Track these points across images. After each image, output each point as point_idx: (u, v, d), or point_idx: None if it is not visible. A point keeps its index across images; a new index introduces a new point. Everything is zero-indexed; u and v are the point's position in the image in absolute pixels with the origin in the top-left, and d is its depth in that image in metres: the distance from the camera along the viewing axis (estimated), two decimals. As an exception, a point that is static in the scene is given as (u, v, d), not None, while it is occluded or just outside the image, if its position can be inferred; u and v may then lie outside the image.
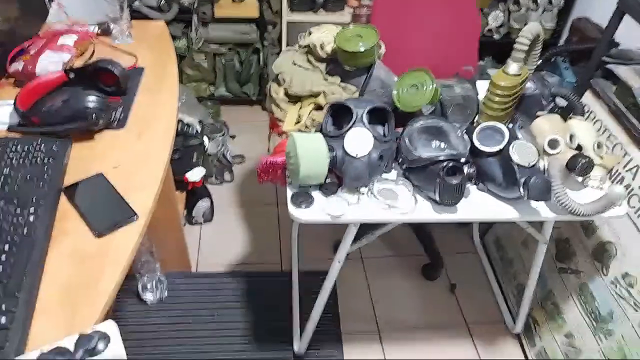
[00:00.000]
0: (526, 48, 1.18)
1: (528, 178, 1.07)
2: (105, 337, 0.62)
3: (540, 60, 1.44)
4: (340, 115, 1.20)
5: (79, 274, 0.76)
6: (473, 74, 1.51)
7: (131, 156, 0.99)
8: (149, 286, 1.70)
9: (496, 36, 2.46)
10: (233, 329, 1.66)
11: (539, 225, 1.37)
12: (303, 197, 1.11)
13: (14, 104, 1.05)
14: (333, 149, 1.11)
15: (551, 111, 1.32)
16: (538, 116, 1.27)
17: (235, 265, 1.88)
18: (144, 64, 1.29)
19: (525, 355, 1.64)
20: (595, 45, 1.54)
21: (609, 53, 1.61)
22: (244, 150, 2.40)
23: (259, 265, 1.88)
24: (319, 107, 1.34)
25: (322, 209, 1.10)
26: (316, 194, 1.13)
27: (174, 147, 2.09)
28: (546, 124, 1.22)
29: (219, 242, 1.96)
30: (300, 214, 1.09)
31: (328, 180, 1.12)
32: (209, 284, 1.79)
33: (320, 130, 1.22)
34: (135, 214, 0.85)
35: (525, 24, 1.45)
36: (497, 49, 2.41)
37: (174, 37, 2.39)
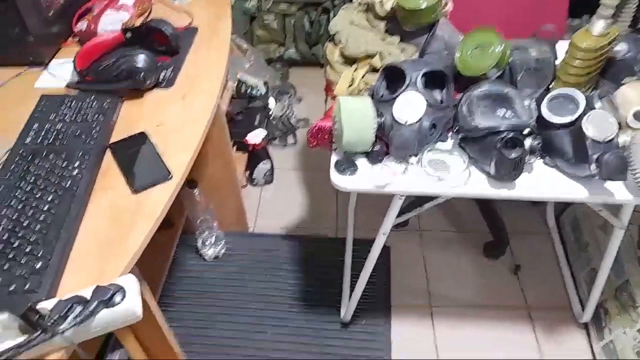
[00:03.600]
0: (615, 2, 1.02)
1: (602, 154, 0.94)
2: (121, 290, 0.64)
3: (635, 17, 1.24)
4: (396, 78, 1.13)
5: (113, 227, 0.79)
6: (554, 34, 1.34)
7: (174, 116, 1.00)
8: (207, 242, 1.77)
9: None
10: (283, 289, 1.68)
11: (616, 208, 1.21)
12: (346, 164, 1.06)
13: (73, 62, 1.09)
14: (382, 114, 1.05)
15: (640, 77, 1.14)
16: (624, 83, 1.10)
17: (291, 229, 1.89)
18: (199, 24, 1.29)
19: (591, 348, 1.51)
20: None
21: None
22: (309, 114, 2.38)
23: (314, 229, 1.88)
24: (374, 70, 1.27)
25: (366, 178, 1.05)
26: (362, 162, 1.08)
27: (238, 110, 2.13)
28: (633, 92, 1.05)
29: (277, 205, 1.98)
30: (342, 181, 1.05)
31: (375, 148, 1.07)
32: (264, 245, 1.82)
33: (372, 95, 1.16)
34: (170, 173, 0.86)
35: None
36: (597, 4, 2.12)
37: (244, -2, 2.40)
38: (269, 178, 2.08)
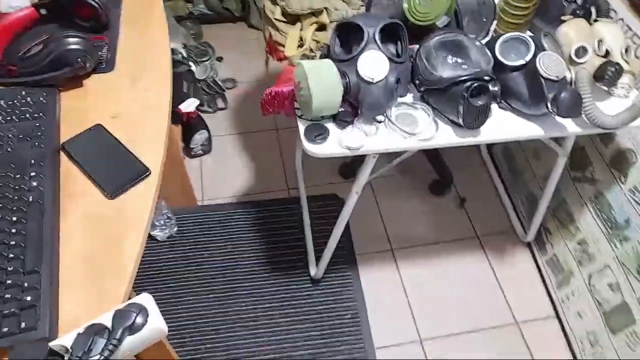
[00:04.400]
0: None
1: (557, 93, 1.00)
2: (143, 310, 0.59)
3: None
4: (348, 35, 1.10)
5: (99, 240, 0.71)
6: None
7: (129, 102, 0.89)
8: (157, 223, 1.67)
9: None
10: (247, 258, 1.66)
11: (559, 138, 1.32)
12: (318, 130, 1.04)
13: (-16, 51, 0.92)
14: (345, 75, 1.02)
15: (572, 14, 1.21)
16: (561, 21, 1.17)
17: (241, 196, 1.85)
18: (121, -10, 1.14)
19: (537, 262, 1.69)
20: None
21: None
22: (234, 73, 2.26)
23: (265, 193, 1.85)
24: (322, 27, 1.23)
25: (338, 142, 1.03)
26: (330, 126, 1.06)
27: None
28: (572, 30, 1.12)
29: (222, 173, 1.91)
30: (317, 148, 1.02)
31: (341, 110, 1.05)
32: (217, 216, 1.77)
33: (327, 55, 1.12)
34: (148, 169, 0.79)
35: None
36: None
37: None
38: (207, 147, 1.98)
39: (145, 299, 0.60)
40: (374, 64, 1.02)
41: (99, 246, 0.70)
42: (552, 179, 1.45)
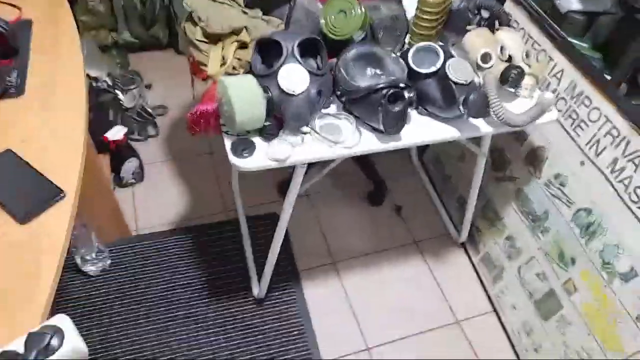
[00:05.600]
0: (452, -41, 1.14)
1: (467, 96, 1.07)
2: (59, 332, 0.56)
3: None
4: (269, 52, 1.12)
5: (10, 268, 0.67)
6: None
7: (39, 127, 0.86)
8: (88, 258, 1.59)
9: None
10: (186, 285, 1.62)
11: (477, 140, 1.40)
12: (244, 145, 1.05)
13: None
14: (267, 89, 1.04)
15: (477, 24, 1.31)
16: (467, 31, 1.25)
17: (177, 222, 1.80)
18: (30, 16, 1.11)
19: (472, 262, 1.76)
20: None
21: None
22: (164, 100, 2.23)
23: (202, 217, 1.82)
24: (243, 45, 1.24)
25: (265, 154, 1.04)
26: (257, 139, 1.07)
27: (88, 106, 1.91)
28: (477, 39, 1.21)
29: (156, 201, 1.86)
30: (244, 163, 1.03)
31: (267, 124, 1.06)
32: (153, 245, 1.71)
33: (250, 71, 1.13)
34: (61, 190, 0.76)
35: None
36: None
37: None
38: (139, 176, 1.93)
39: (61, 320, 0.57)
40: (294, 77, 1.05)
41: (11, 273, 0.66)
42: (475, 179, 1.53)
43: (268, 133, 1.06)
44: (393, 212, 1.89)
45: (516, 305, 1.55)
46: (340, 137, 1.08)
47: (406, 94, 1.07)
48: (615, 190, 1.19)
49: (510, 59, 1.21)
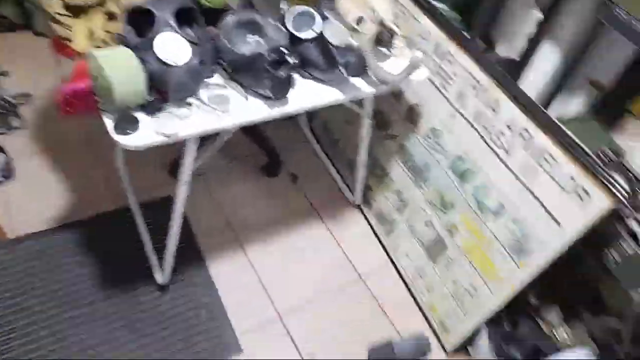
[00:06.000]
0: None
1: (345, 57, 1.12)
2: None
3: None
4: (144, 23, 1.06)
5: None
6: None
7: None
8: (-43, 271, 1.41)
9: None
10: (83, 282, 1.51)
11: (361, 103, 1.48)
12: (126, 121, 0.99)
13: None
14: (145, 61, 1.00)
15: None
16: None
17: (62, 218, 1.66)
18: None
19: (367, 219, 1.87)
20: None
21: None
22: (27, 87, 2.00)
23: (89, 209, 1.69)
24: (112, 17, 1.17)
25: (152, 130, 1.00)
26: (140, 115, 1.02)
27: None
28: (349, 2, 1.25)
29: (33, 198, 1.69)
30: (129, 140, 0.98)
31: (149, 98, 1.02)
32: (34, 247, 1.56)
33: (123, 44, 1.07)
34: None
35: None
36: None
37: None
38: (8, 173, 1.73)
39: None
40: (172, 47, 1.01)
41: None
42: (362, 141, 1.62)
43: (151, 107, 1.02)
44: (289, 181, 1.93)
45: (409, 253, 1.69)
46: (229, 107, 1.08)
47: (289, 59, 1.09)
48: (481, 136, 1.34)
49: (381, 22, 1.28)
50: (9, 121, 1.89)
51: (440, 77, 1.43)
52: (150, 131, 0.99)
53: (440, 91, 1.44)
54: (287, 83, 1.09)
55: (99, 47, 1.09)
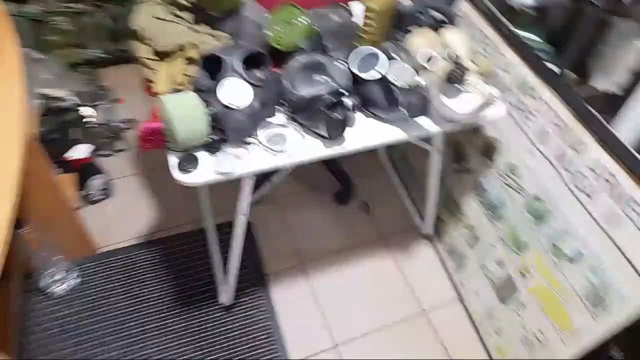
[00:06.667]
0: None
1: (408, 97, 1.09)
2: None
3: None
4: (218, 68, 1.13)
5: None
6: None
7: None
8: (54, 279, 1.60)
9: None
10: (155, 298, 1.63)
11: (429, 140, 1.43)
12: (187, 160, 1.06)
13: None
14: (211, 104, 1.06)
15: (429, 25, 1.31)
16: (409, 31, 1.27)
17: (145, 236, 1.81)
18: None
19: (439, 254, 1.79)
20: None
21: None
22: (134, 114, 2.22)
23: (170, 229, 1.83)
24: (191, 61, 1.25)
25: (211, 168, 1.06)
26: (203, 154, 1.08)
27: (51, 127, 1.90)
28: (419, 39, 1.22)
29: (124, 216, 1.87)
30: (187, 178, 1.04)
31: (210, 138, 1.07)
32: (120, 261, 1.72)
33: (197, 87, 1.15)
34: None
35: None
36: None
37: (21, 1, 2.08)
38: (107, 192, 1.93)
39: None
40: (234, 91, 1.06)
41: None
42: (432, 173, 1.56)
43: (212, 147, 1.08)
44: (361, 210, 1.92)
45: (478, 291, 1.59)
46: (285, 146, 1.10)
47: (346, 100, 1.09)
48: (561, 177, 1.23)
49: (456, 58, 1.22)
50: (115, 145, 2.11)
51: (520, 112, 1.33)
52: (208, 169, 1.05)
53: (520, 127, 1.34)
54: (343, 124, 1.09)
55: (178, 89, 1.18)
